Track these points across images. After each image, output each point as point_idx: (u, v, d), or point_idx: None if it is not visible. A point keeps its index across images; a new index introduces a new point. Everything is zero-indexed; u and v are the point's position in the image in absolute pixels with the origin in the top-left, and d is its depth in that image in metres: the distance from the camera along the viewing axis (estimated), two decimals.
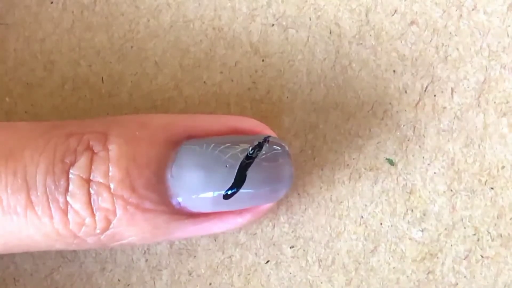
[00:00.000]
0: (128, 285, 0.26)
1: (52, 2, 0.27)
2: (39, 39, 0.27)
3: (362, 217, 0.26)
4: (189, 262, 0.26)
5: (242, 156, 0.23)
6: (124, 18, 0.27)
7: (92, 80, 0.27)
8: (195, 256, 0.26)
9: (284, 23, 0.27)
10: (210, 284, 0.26)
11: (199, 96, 0.26)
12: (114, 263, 0.26)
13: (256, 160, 0.23)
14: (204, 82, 0.27)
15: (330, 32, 0.27)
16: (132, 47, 0.27)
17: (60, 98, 0.27)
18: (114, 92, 0.27)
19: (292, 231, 0.26)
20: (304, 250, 0.26)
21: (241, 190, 0.23)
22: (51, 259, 0.26)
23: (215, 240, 0.26)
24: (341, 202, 0.26)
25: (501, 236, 0.26)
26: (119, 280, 0.26)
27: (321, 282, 0.26)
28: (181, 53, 0.27)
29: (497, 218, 0.26)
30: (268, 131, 0.24)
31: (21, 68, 0.27)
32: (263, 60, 0.27)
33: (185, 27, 0.27)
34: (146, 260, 0.26)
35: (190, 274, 0.26)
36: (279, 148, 0.23)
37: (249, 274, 0.26)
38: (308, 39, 0.27)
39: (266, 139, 0.23)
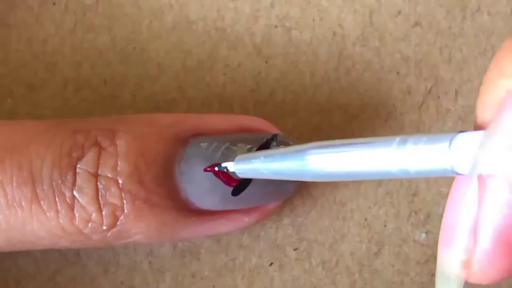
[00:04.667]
0: (131, 287, 0.26)
1: (54, 3, 0.27)
2: (41, 40, 0.27)
3: (366, 219, 0.26)
4: (193, 264, 0.26)
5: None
6: (127, 19, 0.27)
7: (94, 81, 0.26)
8: (198, 258, 0.26)
9: (287, 25, 0.27)
10: (214, 286, 0.26)
11: (202, 97, 0.26)
12: (117, 265, 0.26)
13: None
14: (207, 83, 0.26)
15: (334, 34, 0.27)
16: (134, 48, 0.27)
17: (62, 100, 0.26)
18: (117, 93, 0.26)
19: (296, 233, 0.26)
20: (307, 252, 0.26)
21: (249, 187, 0.23)
22: (54, 261, 0.26)
23: (219, 242, 0.26)
24: (345, 204, 0.26)
25: None
26: (122, 282, 0.26)
27: (325, 285, 0.26)
28: (184, 55, 0.27)
29: None
30: (274, 130, 0.24)
31: (23, 69, 0.27)
32: (266, 62, 0.26)
33: (187, 28, 0.27)
34: (149, 262, 0.26)
35: (193, 277, 0.26)
36: (286, 145, 0.23)
37: (252, 277, 0.26)
38: (311, 40, 0.27)
39: (273, 137, 0.23)
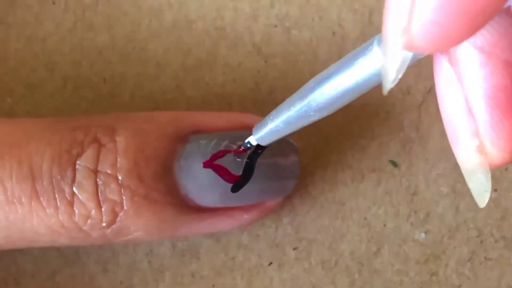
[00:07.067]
0: (131, 286, 0.26)
1: (54, 2, 0.27)
2: (41, 39, 0.27)
3: (365, 218, 0.26)
4: (192, 264, 0.26)
5: (249, 150, 0.23)
6: (126, 19, 0.27)
7: (93, 80, 0.26)
8: (198, 257, 0.26)
9: (287, 24, 0.27)
10: (213, 285, 0.26)
11: (201, 96, 0.26)
12: (117, 265, 0.26)
13: (262, 154, 0.23)
14: (207, 82, 0.26)
15: (333, 33, 0.26)
16: (134, 47, 0.26)
17: (61, 99, 0.26)
18: (116, 92, 0.26)
19: (295, 233, 0.26)
20: (307, 252, 0.26)
21: (249, 184, 0.23)
22: (53, 260, 0.26)
23: (218, 242, 0.26)
24: (344, 203, 0.26)
25: (504, 238, 0.26)
26: (121, 282, 0.26)
27: (324, 284, 0.26)
28: (183, 54, 0.27)
29: (501, 220, 0.26)
30: None
31: (23, 68, 0.26)
32: (265, 61, 0.26)
33: (187, 28, 0.27)
34: (149, 262, 0.26)
35: (193, 276, 0.26)
36: (285, 143, 0.23)
37: (252, 276, 0.26)
38: (311, 40, 0.27)
39: None
